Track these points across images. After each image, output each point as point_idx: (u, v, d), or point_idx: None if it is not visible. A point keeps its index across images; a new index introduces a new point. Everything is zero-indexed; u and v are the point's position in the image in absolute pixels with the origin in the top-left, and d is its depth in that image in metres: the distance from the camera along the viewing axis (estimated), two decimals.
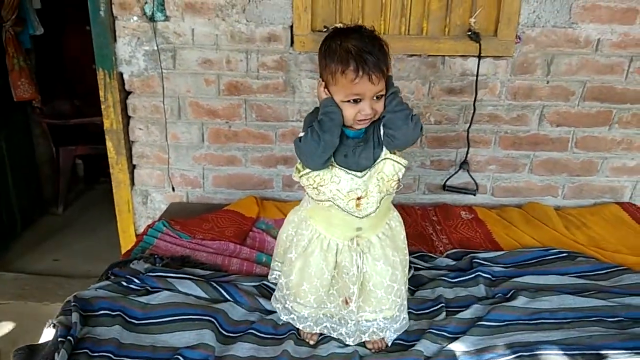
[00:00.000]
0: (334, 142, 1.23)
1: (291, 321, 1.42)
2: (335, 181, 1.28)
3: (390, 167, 1.28)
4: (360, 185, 1.28)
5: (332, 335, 1.41)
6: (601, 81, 2.10)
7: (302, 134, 1.28)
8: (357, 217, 1.30)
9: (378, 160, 1.28)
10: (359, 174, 1.27)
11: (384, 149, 1.28)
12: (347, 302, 1.36)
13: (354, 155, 1.27)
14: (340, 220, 1.31)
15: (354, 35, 1.22)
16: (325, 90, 1.25)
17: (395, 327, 1.39)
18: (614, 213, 2.14)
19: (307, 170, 1.29)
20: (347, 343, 1.39)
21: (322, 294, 1.36)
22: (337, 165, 1.28)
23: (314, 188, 1.30)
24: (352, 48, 1.18)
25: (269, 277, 1.59)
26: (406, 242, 1.45)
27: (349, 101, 1.21)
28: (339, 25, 1.99)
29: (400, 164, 1.28)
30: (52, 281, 2.68)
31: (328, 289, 1.36)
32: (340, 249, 1.34)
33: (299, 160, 1.32)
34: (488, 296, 1.60)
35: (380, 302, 1.35)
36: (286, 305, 1.42)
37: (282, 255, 1.48)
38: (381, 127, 1.27)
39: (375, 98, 1.22)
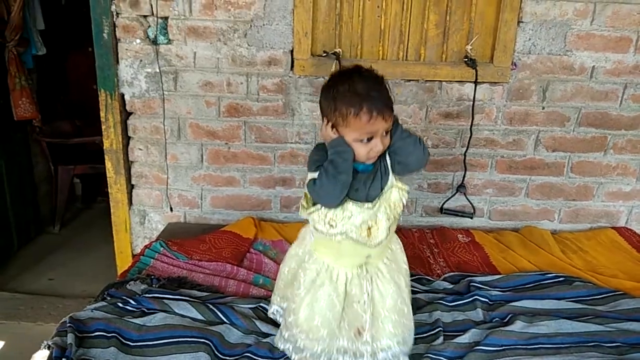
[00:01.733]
0: (349, 180, 1.25)
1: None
2: (348, 215, 1.28)
3: (395, 194, 1.31)
4: (371, 215, 1.29)
5: None
6: (596, 107, 2.13)
7: (312, 175, 1.28)
8: (369, 247, 1.31)
9: (386, 189, 1.30)
10: (370, 204, 1.28)
11: (390, 177, 1.31)
12: (359, 333, 1.32)
13: (365, 188, 1.29)
14: (351, 250, 1.32)
15: (356, 77, 1.24)
16: (334, 130, 1.26)
17: (405, 350, 1.38)
18: (610, 238, 2.16)
19: (317, 207, 1.30)
20: None
21: (334, 327, 1.33)
22: (350, 200, 1.28)
23: (326, 224, 1.30)
24: (361, 90, 1.21)
25: (269, 312, 1.55)
26: (407, 263, 1.45)
27: (361, 140, 1.24)
28: (338, 50, 2.05)
29: (404, 189, 1.32)
30: (47, 301, 2.65)
31: (339, 321, 1.33)
32: (350, 279, 1.33)
33: (303, 197, 1.34)
34: (485, 320, 1.59)
35: (395, 326, 1.34)
36: (298, 345, 1.37)
37: (283, 290, 1.47)
38: (387, 156, 1.30)
39: (384, 134, 1.25)
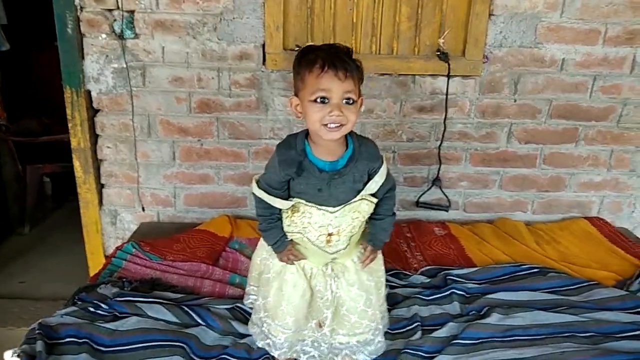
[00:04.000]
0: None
1: (266, 347, 1.37)
2: (307, 216, 1.26)
3: (365, 205, 1.28)
4: (333, 221, 1.25)
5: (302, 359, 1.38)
6: (566, 99, 2.16)
7: (256, 191, 1.28)
8: (327, 252, 1.29)
9: (357, 199, 1.26)
10: (330, 209, 1.24)
11: (365, 188, 1.26)
12: (320, 326, 1.33)
13: (328, 188, 1.23)
14: (313, 250, 1.30)
15: (326, 46, 1.22)
16: (296, 106, 1.22)
17: (370, 349, 1.36)
18: (583, 228, 2.19)
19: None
20: None
21: (300, 317, 1.32)
22: (307, 204, 1.25)
23: (287, 217, 1.29)
24: (322, 52, 1.17)
25: (245, 301, 1.53)
26: (383, 263, 1.42)
27: (315, 101, 1.15)
28: (310, 44, 2.01)
29: (373, 202, 1.30)
30: (18, 304, 2.57)
31: (306, 312, 1.33)
32: (315, 274, 1.32)
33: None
34: (462, 313, 1.60)
35: (354, 326, 1.33)
36: (263, 329, 1.37)
37: (257, 279, 1.44)
38: (367, 171, 1.26)
39: (345, 102, 1.16)
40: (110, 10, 1.97)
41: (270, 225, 1.31)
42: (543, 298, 1.65)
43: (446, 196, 2.26)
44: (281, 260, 1.33)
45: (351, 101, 1.17)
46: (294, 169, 1.23)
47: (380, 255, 1.40)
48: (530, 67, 2.10)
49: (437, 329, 1.51)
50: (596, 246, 2.05)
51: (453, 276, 1.76)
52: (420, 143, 2.20)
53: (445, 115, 2.12)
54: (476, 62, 2.06)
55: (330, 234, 1.26)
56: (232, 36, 2.02)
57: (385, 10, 2.03)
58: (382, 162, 1.28)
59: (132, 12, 1.97)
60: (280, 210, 1.30)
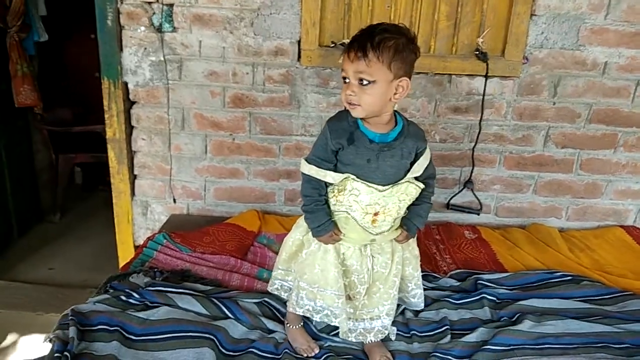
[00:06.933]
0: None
1: (325, 319, 1.34)
2: (355, 193, 1.27)
3: (412, 189, 1.31)
4: (380, 200, 1.27)
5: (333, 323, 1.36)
6: (607, 104, 2.10)
7: (306, 167, 1.28)
8: (371, 233, 1.30)
9: (403, 180, 1.28)
10: (379, 187, 1.26)
11: (411, 170, 1.29)
12: (349, 298, 1.36)
13: (377, 159, 1.25)
14: (355, 232, 1.31)
15: (378, 23, 1.23)
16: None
17: (391, 320, 1.42)
18: (618, 237, 2.13)
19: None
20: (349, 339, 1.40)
21: (341, 286, 1.32)
22: (356, 179, 1.26)
23: (333, 196, 1.30)
24: (359, 32, 1.21)
25: (270, 287, 1.52)
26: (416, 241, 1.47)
27: (343, 79, 1.23)
28: (346, 41, 2.01)
29: (419, 187, 1.33)
30: (47, 291, 2.63)
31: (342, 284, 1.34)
32: (351, 254, 1.34)
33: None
34: (493, 319, 1.57)
35: (385, 298, 1.37)
36: (317, 306, 1.33)
37: (287, 262, 1.45)
38: (407, 137, 1.28)
39: (359, 83, 1.19)
40: (149, 3, 1.99)
41: (317, 207, 1.30)
42: (576, 307, 1.61)
43: (478, 199, 2.22)
44: (320, 241, 1.33)
45: (364, 82, 1.19)
46: (345, 138, 1.25)
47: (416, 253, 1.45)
48: (571, 70, 2.05)
49: (466, 334, 1.48)
50: (632, 256, 1.99)
51: (484, 281, 1.73)
52: (453, 144, 2.16)
53: (481, 116, 2.08)
54: (515, 62, 2.02)
55: (376, 213, 1.28)
56: (269, 32, 2.02)
57: (423, 8, 2.00)
58: (427, 145, 1.33)
59: (171, 5, 1.99)
60: (326, 191, 1.31)
